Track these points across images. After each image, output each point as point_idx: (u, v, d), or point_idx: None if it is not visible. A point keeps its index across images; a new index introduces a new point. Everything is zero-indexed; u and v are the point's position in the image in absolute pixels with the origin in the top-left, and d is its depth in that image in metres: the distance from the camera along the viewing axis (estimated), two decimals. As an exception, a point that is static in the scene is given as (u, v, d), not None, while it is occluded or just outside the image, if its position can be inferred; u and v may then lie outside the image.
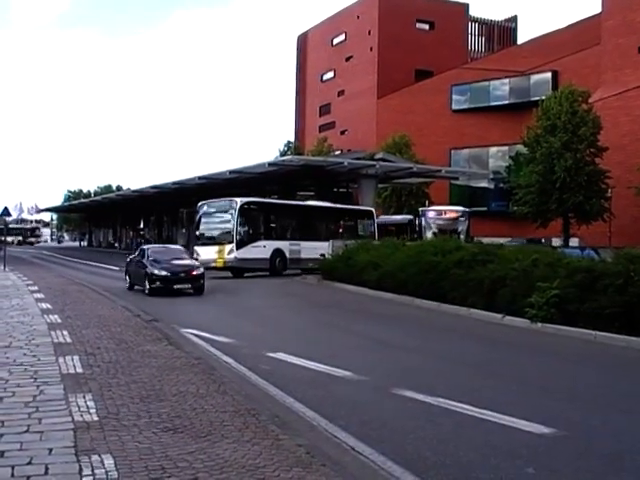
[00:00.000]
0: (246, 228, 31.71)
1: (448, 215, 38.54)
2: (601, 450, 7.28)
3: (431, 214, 38.52)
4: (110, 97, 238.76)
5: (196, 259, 27.45)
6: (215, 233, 32.26)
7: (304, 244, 33.54)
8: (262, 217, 33.88)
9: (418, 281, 20.84)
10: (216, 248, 30.68)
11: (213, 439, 6.58)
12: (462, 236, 35.01)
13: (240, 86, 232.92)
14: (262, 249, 31.77)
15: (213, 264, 29.85)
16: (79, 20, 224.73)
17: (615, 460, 6.97)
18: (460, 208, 40.00)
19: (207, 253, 30.30)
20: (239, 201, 31.30)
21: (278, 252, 32.55)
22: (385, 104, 70.84)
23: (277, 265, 32.40)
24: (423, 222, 38.75)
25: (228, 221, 31.17)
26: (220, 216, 32.06)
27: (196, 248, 31.39)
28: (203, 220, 32.89)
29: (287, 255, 33.10)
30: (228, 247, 30.39)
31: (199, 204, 33.48)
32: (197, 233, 33.20)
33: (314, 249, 31.69)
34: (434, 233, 36.45)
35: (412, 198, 56.92)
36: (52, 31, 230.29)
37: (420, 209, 40.53)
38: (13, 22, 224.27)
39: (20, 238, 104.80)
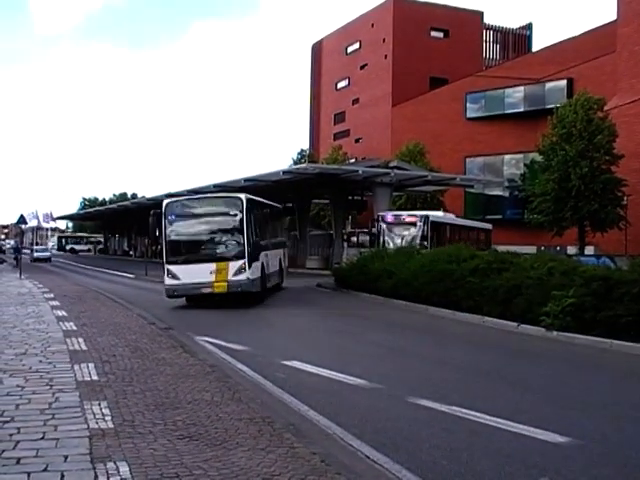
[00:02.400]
0: (255, 236, 23.30)
1: (406, 220, 36.77)
2: (616, 459, 7.23)
3: (388, 219, 36.93)
4: (127, 105, 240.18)
5: (171, 285, 21.87)
6: (208, 245, 22.88)
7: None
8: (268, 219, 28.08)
9: (432, 289, 20.81)
10: (212, 267, 21.71)
11: (228, 447, 6.59)
12: (417, 242, 33.15)
13: (255, 95, 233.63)
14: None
15: (207, 289, 21.77)
16: (95, 30, 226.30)
17: (631, 470, 6.93)
18: (420, 213, 38.43)
19: (195, 274, 21.57)
20: (244, 198, 22.59)
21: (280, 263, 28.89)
22: (400, 112, 70.79)
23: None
24: (381, 228, 36.97)
25: (231, 227, 22.50)
26: (216, 220, 22.88)
27: (171, 267, 22.00)
28: (181, 225, 22.70)
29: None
30: (235, 264, 21.81)
31: (167, 202, 23.15)
32: (167, 246, 22.53)
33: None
34: (390, 240, 34.87)
35: (427, 206, 56.86)
36: (69, 41, 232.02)
37: (378, 214, 38.77)
38: (33, 32, 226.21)
39: None
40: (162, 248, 23.11)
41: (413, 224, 35.04)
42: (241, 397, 8.72)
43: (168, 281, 21.95)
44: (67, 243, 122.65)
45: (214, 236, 22.89)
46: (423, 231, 34.27)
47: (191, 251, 22.71)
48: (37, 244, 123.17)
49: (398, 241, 33.59)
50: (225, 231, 22.79)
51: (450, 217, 41.55)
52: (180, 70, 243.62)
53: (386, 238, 34.83)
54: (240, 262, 21.82)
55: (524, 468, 6.83)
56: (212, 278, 21.64)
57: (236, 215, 22.24)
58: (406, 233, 34.59)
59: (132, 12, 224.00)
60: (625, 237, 39.25)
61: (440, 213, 41.53)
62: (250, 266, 22.03)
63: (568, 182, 39.84)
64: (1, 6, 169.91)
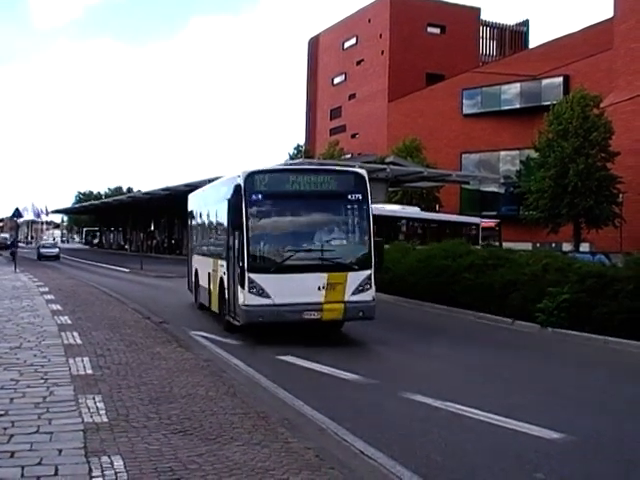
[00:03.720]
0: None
1: None
2: (611, 456, 7.25)
3: None
4: (122, 100, 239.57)
5: (255, 306, 13.60)
6: (316, 244, 14.37)
7: None
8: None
9: (428, 285, 20.83)
10: (321, 279, 13.88)
11: (222, 441, 6.58)
12: None
13: (251, 90, 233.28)
14: None
15: (313, 314, 13.84)
16: (92, 24, 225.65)
17: (625, 466, 6.94)
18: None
19: (295, 290, 13.74)
20: (366, 175, 15.00)
21: None
22: (396, 108, 70.81)
23: None
24: None
25: (351, 217, 14.78)
26: (328, 205, 14.85)
27: (256, 278, 13.72)
28: (273, 211, 14.61)
29: None
30: (356, 277, 14.15)
31: (249, 172, 14.37)
32: (250, 243, 13.86)
33: None
34: None
35: (423, 202, 56.91)
36: (66, 36, 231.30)
37: None
38: (30, 26, 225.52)
39: None
40: (239, 245, 14.10)
41: None
42: (236, 392, 8.71)
43: (250, 299, 13.62)
44: (94, 237, 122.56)
45: (325, 230, 14.65)
46: None
47: (289, 253, 14.12)
48: (32, 238, 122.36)
49: None
50: (341, 224, 14.85)
51: (413, 211, 40.76)
52: (177, 65, 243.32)
53: None
54: (364, 273, 14.16)
55: (518, 464, 6.84)
56: (321, 297, 13.84)
57: (358, 200, 14.50)
58: None
59: (130, 7, 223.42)
60: (620, 234, 39.33)
61: (396, 207, 40.53)
62: (374, 279, 14.44)
63: (564, 179, 39.93)
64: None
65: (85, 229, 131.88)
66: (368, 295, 14.14)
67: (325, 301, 13.83)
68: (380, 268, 14.88)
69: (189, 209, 22.77)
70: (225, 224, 15.93)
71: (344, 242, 14.72)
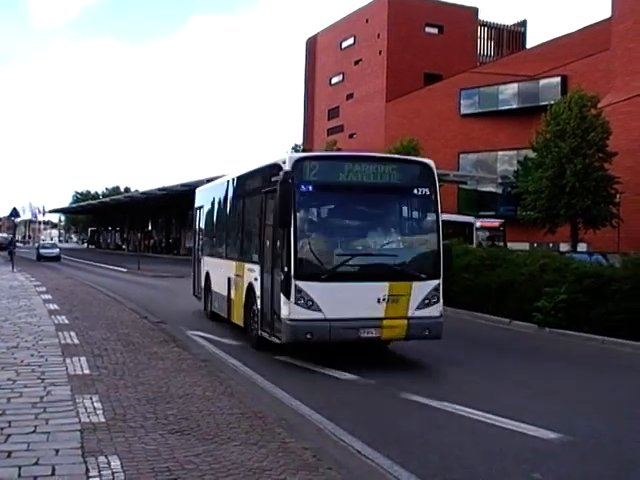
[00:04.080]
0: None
1: None
2: (609, 456, 7.26)
3: None
4: (119, 99, 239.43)
5: (303, 320, 11.25)
6: (375, 247, 12.40)
7: None
8: None
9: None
10: (382, 289, 11.61)
11: (220, 441, 6.58)
12: None
13: (249, 89, 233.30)
14: None
15: (371, 332, 11.61)
16: (90, 25, 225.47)
17: (623, 466, 6.95)
18: None
19: (350, 303, 11.42)
20: (434, 167, 12.75)
21: None
22: (394, 108, 70.77)
23: None
24: None
25: (418, 216, 12.80)
26: (391, 201, 12.71)
27: (304, 287, 11.34)
28: (327, 205, 12.61)
29: None
30: (423, 287, 11.91)
31: (298, 157, 12.44)
32: (297, 243, 11.43)
33: None
34: None
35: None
36: (62, 35, 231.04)
37: None
38: (29, 26, 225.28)
39: None
40: (282, 247, 11.63)
41: None
42: (233, 392, 8.71)
43: (296, 312, 11.25)
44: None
45: (385, 231, 12.57)
46: None
47: (344, 257, 11.80)
48: (30, 237, 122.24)
49: None
50: (405, 223, 12.81)
51: None
52: (175, 65, 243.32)
53: None
54: (432, 284, 11.88)
55: (516, 464, 6.84)
56: (380, 312, 11.52)
57: (425, 196, 12.18)
58: None
59: (128, 6, 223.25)
60: (618, 234, 39.32)
61: None
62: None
63: (562, 179, 39.92)
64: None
65: (90, 229, 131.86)
66: (435, 310, 11.79)
67: (385, 316, 11.47)
68: (444, 279, 12.06)
69: (197, 205, 20.37)
70: (258, 221, 13.34)
71: (408, 245, 12.57)
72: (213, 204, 18.32)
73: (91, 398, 8.02)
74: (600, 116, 40.72)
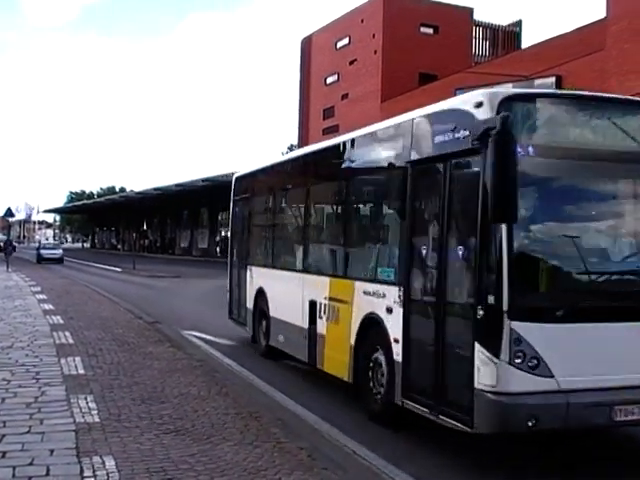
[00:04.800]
0: None
1: None
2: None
3: None
4: (114, 99, 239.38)
5: (510, 393, 6.09)
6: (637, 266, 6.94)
7: None
8: None
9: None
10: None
11: (215, 441, 6.56)
12: None
13: (244, 89, 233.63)
14: None
15: (635, 412, 6.37)
16: (86, 22, 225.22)
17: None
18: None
19: (603, 358, 6.32)
20: None
21: None
22: (389, 107, 70.65)
23: None
24: None
25: None
26: None
27: (521, 330, 6.08)
28: (541, 191, 6.69)
29: None
30: None
31: (481, 103, 6.39)
32: (513, 259, 6.13)
33: None
34: None
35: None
36: (57, 33, 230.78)
37: None
38: (24, 25, 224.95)
39: None
40: (478, 257, 6.39)
41: None
42: (228, 392, 8.69)
43: (511, 379, 6.12)
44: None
45: None
46: None
47: (596, 278, 6.74)
48: (24, 238, 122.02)
49: None
50: None
51: None
52: (170, 64, 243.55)
53: None
54: None
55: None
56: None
57: None
58: None
59: (125, 4, 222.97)
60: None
61: None
62: None
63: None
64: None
65: (85, 229, 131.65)
66: None
67: None
68: None
69: (237, 195, 15.50)
70: (398, 214, 8.10)
71: None
72: (274, 191, 13.22)
73: (86, 398, 8.00)
74: (595, 116, 40.82)
